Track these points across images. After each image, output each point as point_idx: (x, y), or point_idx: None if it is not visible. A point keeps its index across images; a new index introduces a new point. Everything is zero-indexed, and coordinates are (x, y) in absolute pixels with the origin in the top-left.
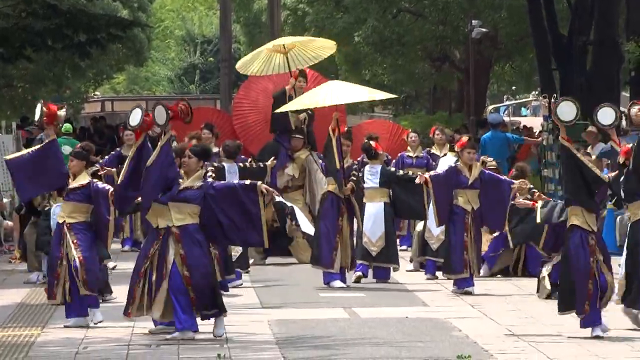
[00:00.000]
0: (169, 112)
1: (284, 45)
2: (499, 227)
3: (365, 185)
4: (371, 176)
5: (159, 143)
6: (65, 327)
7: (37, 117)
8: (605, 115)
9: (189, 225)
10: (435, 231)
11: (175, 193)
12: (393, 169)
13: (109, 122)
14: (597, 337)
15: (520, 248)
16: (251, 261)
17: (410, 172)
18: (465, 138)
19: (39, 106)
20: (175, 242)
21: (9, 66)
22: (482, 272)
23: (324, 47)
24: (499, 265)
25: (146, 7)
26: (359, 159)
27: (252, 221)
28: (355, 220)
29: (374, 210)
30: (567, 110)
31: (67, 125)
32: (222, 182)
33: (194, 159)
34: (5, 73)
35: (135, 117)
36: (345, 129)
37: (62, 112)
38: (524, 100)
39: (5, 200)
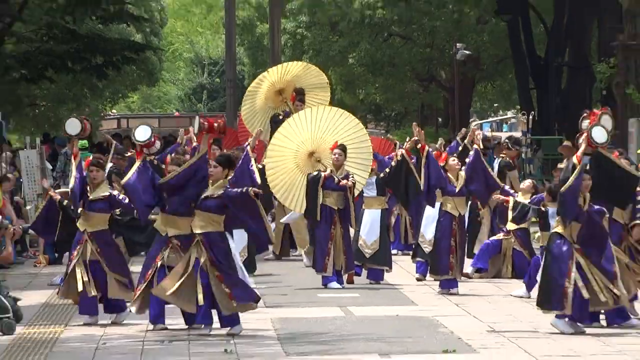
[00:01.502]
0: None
1: (279, 91)
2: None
3: (364, 195)
4: (368, 186)
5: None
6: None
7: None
8: (601, 134)
9: (210, 233)
10: (428, 236)
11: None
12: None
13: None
14: (575, 334)
15: (506, 255)
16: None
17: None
18: (444, 154)
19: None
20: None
21: (32, 86)
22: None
23: (318, 95)
24: (492, 272)
25: (158, 32)
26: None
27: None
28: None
29: (370, 217)
30: (600, 132)
31: (83, 141)
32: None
33: (219, 168)
34: (29, 93)
35: (145, 133)
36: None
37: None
38: (504, 117)
39: (29, 207)
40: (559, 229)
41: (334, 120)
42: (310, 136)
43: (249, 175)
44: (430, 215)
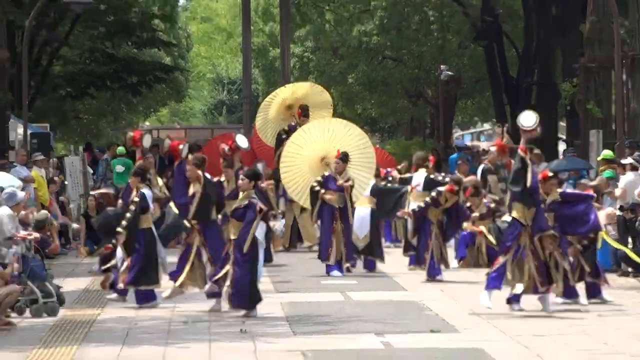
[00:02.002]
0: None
1: (289, 106)
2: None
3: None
4: None
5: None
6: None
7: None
8: (527, 118)
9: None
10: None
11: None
12: (383, 183)
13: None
14: (542, 315)
15: (480, 249)
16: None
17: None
18: (455, 187)
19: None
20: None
21: (76, 102)
22: (451, 265)
23: (321, 112)
24: (472, 262)
25: (184, 56)
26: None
27: None
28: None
29: (362, 214)
30: (527, 117)
31: (121, 148)
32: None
33: (247, 180)
34: (73, 108)
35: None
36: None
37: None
38: (482, 129)
39: (72, 206)
40: (515, 214)
41: (341, 129)
42: (322, 143)
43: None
44: None
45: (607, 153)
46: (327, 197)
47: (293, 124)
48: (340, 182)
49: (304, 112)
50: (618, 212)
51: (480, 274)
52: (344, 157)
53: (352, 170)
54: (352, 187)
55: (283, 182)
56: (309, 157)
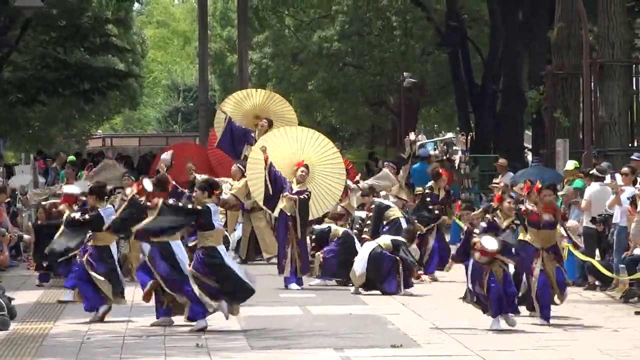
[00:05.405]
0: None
1: (256, 116)
2: None
3: None
4: None
5: None
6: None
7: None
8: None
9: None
10: (358, 271)
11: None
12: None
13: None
14: (507, 330)
15: None
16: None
17: None
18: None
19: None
20: None
21: (27, 109)
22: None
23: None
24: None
25: (139, 62)
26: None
27: None
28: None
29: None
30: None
31: (72, 157)
32: None
33: (199, 192)
34: (23, 115)
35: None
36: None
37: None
38: (445, 137)
39: (23, 215)
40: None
41: (309, 137)
42: (291, 150)
43: None
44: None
45: (574, 164)
46: (285, 200)
47: (253, 135)
48: (286, 192)
49: (268, 124)
50: (588, 225)
51: (445, 290)
52: (308, 168)
53: (323, 180)
54: (308, 198)
55: (250, 189)
56: (278, 163)
